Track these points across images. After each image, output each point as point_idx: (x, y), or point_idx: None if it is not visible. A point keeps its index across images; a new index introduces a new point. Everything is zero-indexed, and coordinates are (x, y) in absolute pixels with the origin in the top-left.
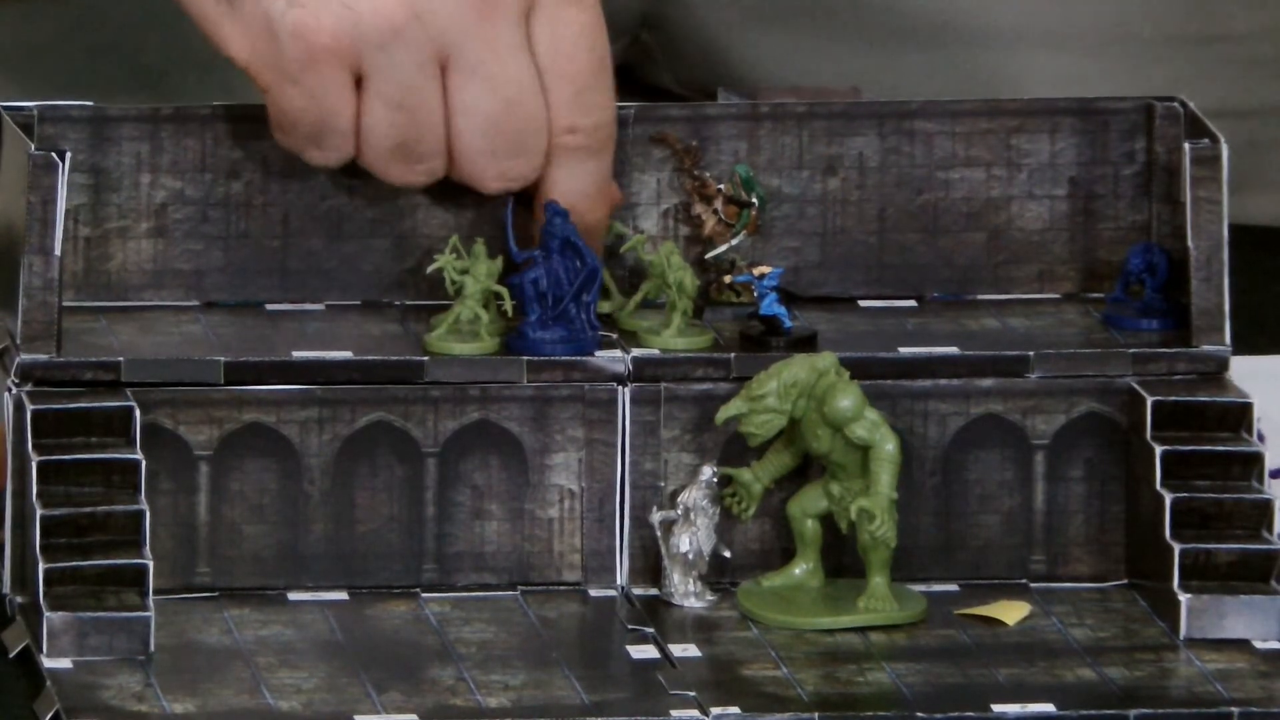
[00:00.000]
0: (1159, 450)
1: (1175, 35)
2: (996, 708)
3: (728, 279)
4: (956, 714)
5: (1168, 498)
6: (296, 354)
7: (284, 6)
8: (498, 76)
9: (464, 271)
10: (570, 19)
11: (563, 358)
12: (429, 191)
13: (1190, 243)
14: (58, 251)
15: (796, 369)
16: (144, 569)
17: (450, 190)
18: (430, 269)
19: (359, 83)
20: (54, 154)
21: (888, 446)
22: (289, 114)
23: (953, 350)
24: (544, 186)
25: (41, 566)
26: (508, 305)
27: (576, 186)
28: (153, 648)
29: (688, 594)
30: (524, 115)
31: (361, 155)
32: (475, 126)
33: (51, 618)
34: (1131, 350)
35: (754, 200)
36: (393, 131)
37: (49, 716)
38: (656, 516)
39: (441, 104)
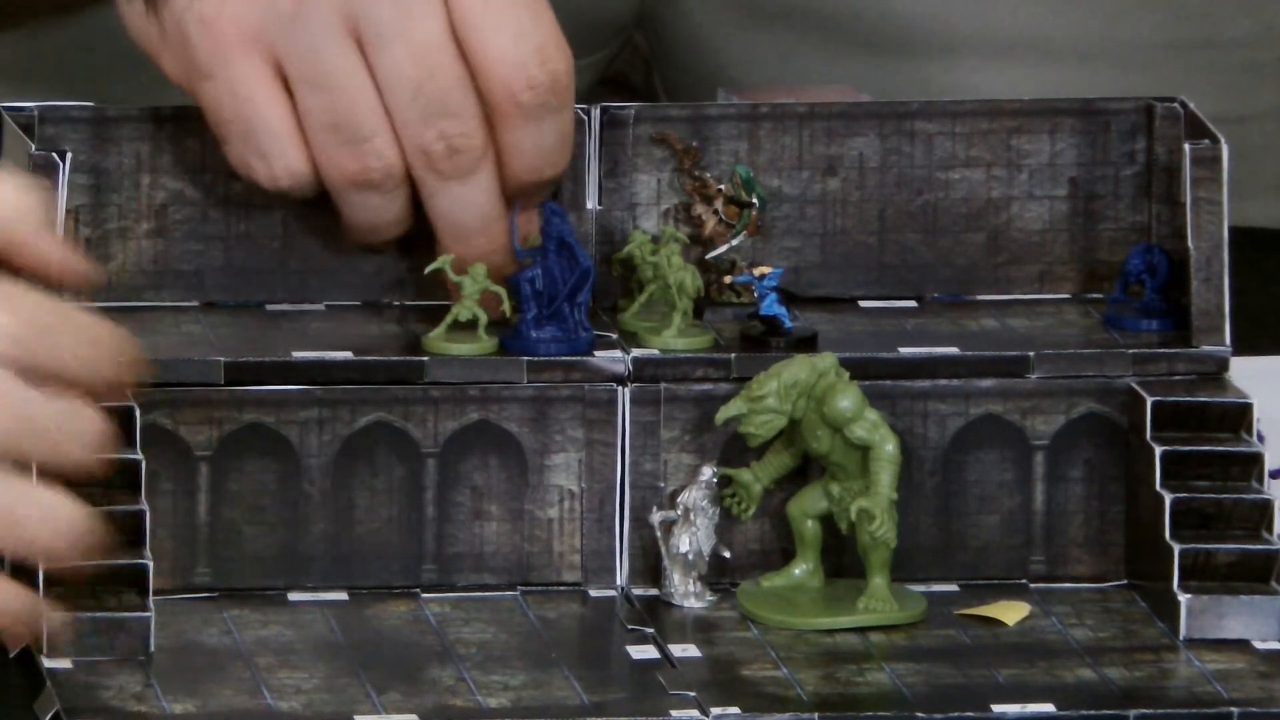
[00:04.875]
0: (1159, 451)
1: (1169, 41)
2: (996, 708)
3: (728, 279)
4: (956, 714)
5: (1168, 498)
6: (296, 354)
7: (188, 2)
8: (409, 38)
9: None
10: None
11: (562, 358)
12: None
13: (1190, 243)
14: None
15: (796, 369)
16: (144, 569)
17: None
18: (429, 269)
19: (288, 85)
20: (54, 154)
21: (887, 447)
22: (213, 115)
23: (953, 350)
24: (506, 153)
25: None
26: (506, 306)
27: (543, 143)
28: (153, 648)
29: (688, 594)
30: (447, 73)
31: (318, 166)
32: (400, 93)
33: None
34: (1131, 351)
35: (754, 200)
36: (322, 113)
37: (49, 717)
38: (656, 517)
39: (365, 76)
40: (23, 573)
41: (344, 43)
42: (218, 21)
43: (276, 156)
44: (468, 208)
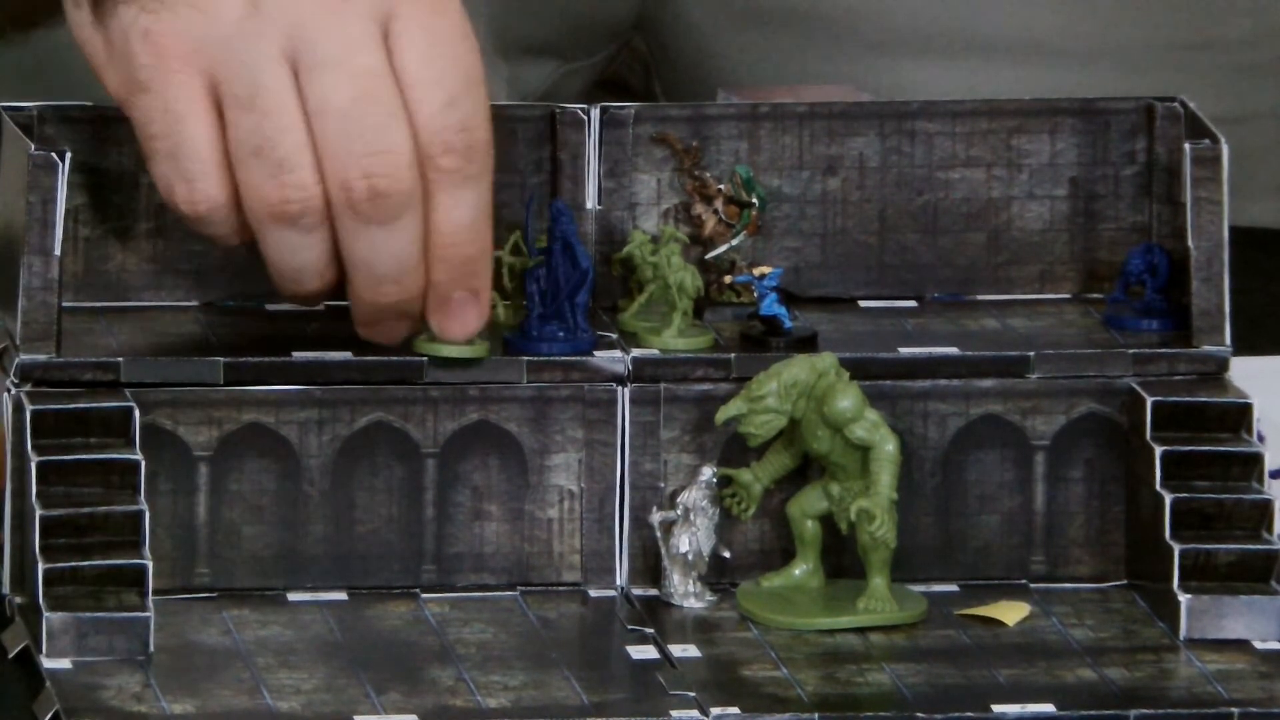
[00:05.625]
0: (1159, 451)
1: (1169, 42)
2: (996, 708)
3: (728, 279)
4: (956, 714)
5: (1168, 498)
6: (296, 354)
7: (135, 14)
8: (347, 67)
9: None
10: (434, 27)
11: (562, 358)
12: None
13: (1191, 243)
14: (58, 252)
15: (796, 369)
16: (143, 569)
17: None
18: None
19: (221, 110)
20: (54, 154)
21: (888, 447)
22: (143, 129)
23: (953, 351)
24: (425, 219)
25: (41, 567)
26: (500, 309)
27: (455, 216)
28: (152, 648)
29: (687, 594)
30: (381, 106)
31: (241, 195)
32: (331, 120)
33: (51, 618)
34: (1132, 351)
35: (754, 200)
36: (248, 135)
37: (49, 717)
38: (656, 517)
39: (297, 103)
40: (23, 570)
41: (280, 67)
42: (161, 36)
43: (198, 179)
44: (384, 255)
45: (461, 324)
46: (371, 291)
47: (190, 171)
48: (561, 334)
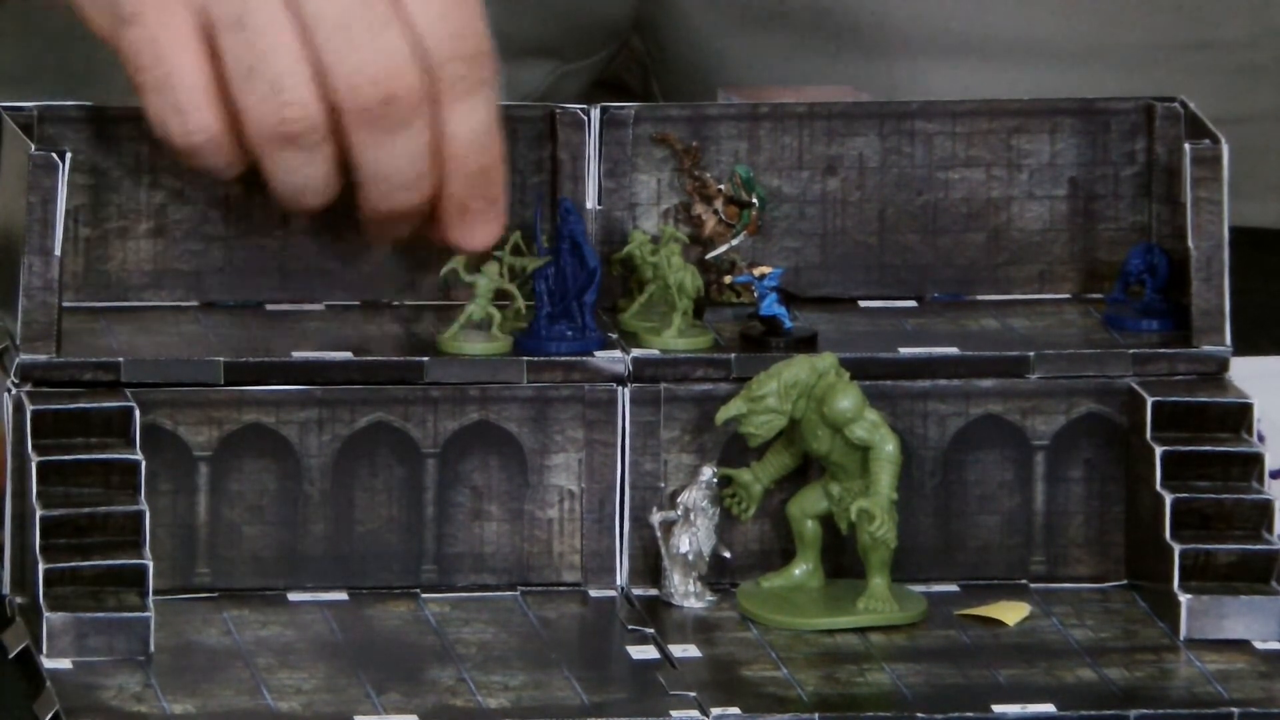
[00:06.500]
0: (1159, 451)
1: (1168, 43)
2: (996, 708)
3: (728, 279)
4: (956, 714)
5: (1168, 498)
6: (296, 354)
7: None
8: None
9: (477, 270)
10: None
11: (562, 358)
12: None
13: (1190, 243)
14: (58, 252)
15: (796, 369)
16: (144, 569)
17: None
18: (443, 271)
19: (212, 40)
20: (54, 154)
21: (888, 447)
22: (131, 62)
23: (953, 351)
24: (436, 132)
25: (41, 567)
26: (519, 304)
27: (468, 125)
28: (152, 648)
29: (688, 594)
30: (374, 12)
31: (239, 121)
32: (327, 30)
33: (51, 618)
34: (1131, 351)
35: (754, 200)
36: (243, 57)
37: (49, 717)
38: (656, 517)
39: (287, 19)
40: (23, 570)
41: None
42: None
43: (190, 110)
44: (398, 162)
45: (482, 233)
46: (385, 200)
47: (182, 103)
48: (570, 333)
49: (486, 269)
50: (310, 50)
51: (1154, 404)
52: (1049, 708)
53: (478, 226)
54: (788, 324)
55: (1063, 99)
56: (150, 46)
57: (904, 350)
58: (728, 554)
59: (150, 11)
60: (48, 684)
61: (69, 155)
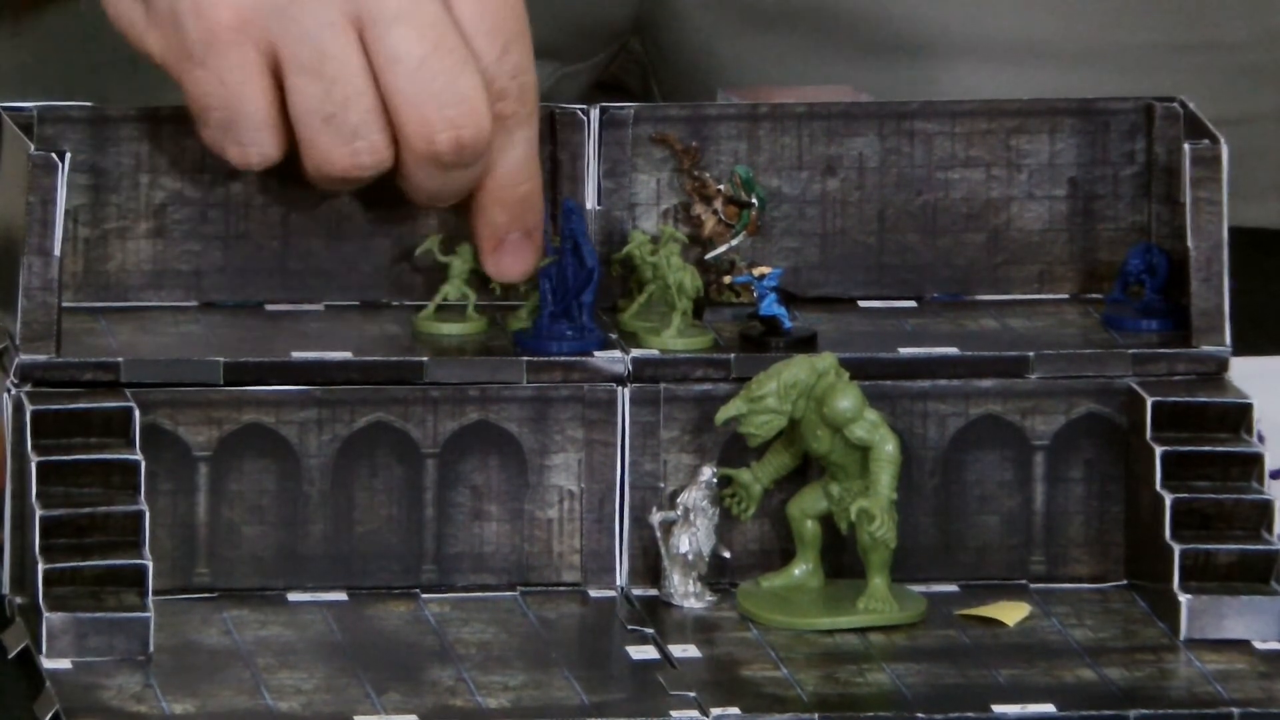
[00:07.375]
0: (1159, 451)
1: (1168, 44)
2: (996, 708)
3: (728, 279)
4: (956, 714)
5: (1168, 498)
6: (296, 354)
7: None
8: (417, 18)
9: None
10: None
11: (562, 358)
12: None
13: (1190, 243)
14: (57, 252)
15: (796, 369)
16: (143, 569)
17: None
18: (418, 251)
19: (278, 73)
20: (54, 154)
21: (887, 447)
22: (198, 100)
23: (952, 351)
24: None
25: (41, 567)
26: (495, 284)
27: (513, 157)
28: (152, 648)
29: (687, 594)
30: (453, 55)
31: (305, 155)
32: (406, 73)
33: (51, 618)
34: (1131, 351)
35: (754, 201)
36: (317, 103)
37: (49, 717)
38: (656, 517)
39: (363, 64)
40: (23, 570)
41: (343, 29)
42: (212, 8)
43: (253, 145)
44: (452, 190)
45: (519, 263)
46: (425, 201)
47: (245, 139)
48: (570, 333)
49: (461, 250)
50: (387, 95)
51: (1154, 404)
52: (1049, 708)
53: (513, 255)
54: (787, 324)
55: (1062, 99)
56: (218, 89)
57: (904, 350)
58: (727, 554)
59: (217, 54)
60: (47, 684)
61: (69, 155)
